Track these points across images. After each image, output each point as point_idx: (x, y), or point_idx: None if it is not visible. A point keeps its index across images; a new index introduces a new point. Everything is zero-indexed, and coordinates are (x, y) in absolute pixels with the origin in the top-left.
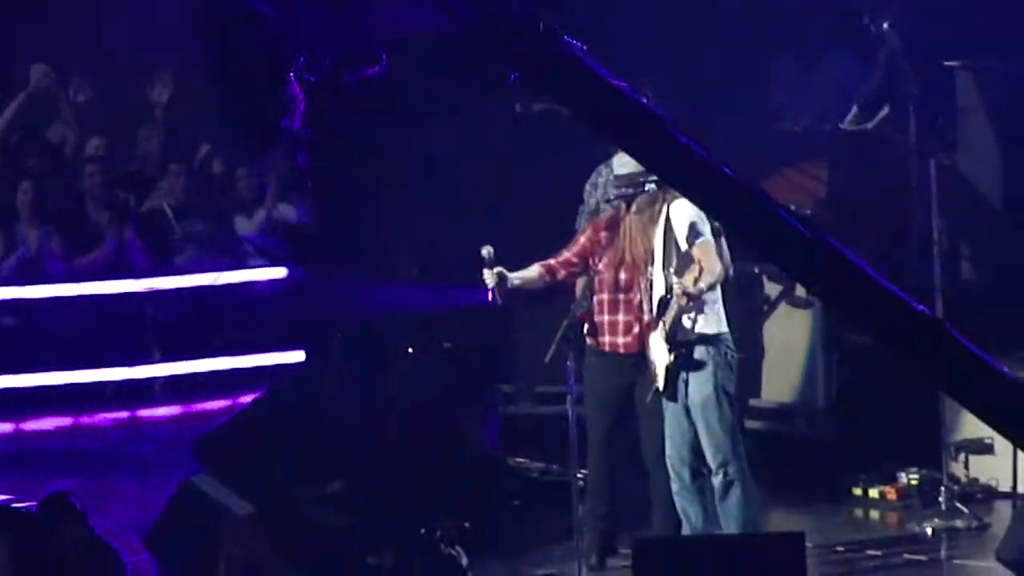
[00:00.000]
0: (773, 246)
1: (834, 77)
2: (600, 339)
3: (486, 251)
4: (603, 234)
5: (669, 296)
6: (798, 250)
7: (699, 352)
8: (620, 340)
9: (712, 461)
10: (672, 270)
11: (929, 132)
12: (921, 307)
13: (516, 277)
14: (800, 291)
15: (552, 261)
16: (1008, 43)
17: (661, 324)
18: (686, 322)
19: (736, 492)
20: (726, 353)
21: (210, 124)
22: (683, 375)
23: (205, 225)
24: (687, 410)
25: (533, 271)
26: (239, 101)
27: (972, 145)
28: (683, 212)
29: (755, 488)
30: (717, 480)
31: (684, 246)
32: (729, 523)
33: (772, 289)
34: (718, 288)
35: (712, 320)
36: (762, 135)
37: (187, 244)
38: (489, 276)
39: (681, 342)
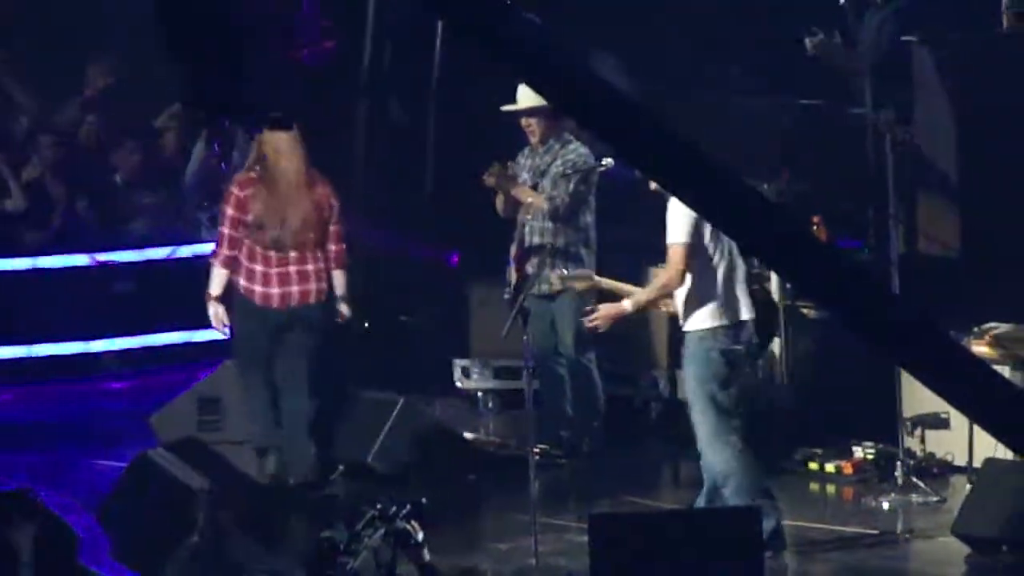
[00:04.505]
0: (726, 215)
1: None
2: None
3: None
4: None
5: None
6: (751, 220)
7: None
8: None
9: None
10: None
11: (886, 107)
12: (879, 282)
13: None
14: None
15: None
16: (965, 18)
17: None
18: None
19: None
20: None
21: (164, 100)
22: None
23: (157, 198)
24: None
25: None
26: (194, 76)
27: (928, 120)
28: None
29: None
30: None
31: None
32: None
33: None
34: None
35: None
36: (720, 109)
37: (139, 218)
38: None
39: None
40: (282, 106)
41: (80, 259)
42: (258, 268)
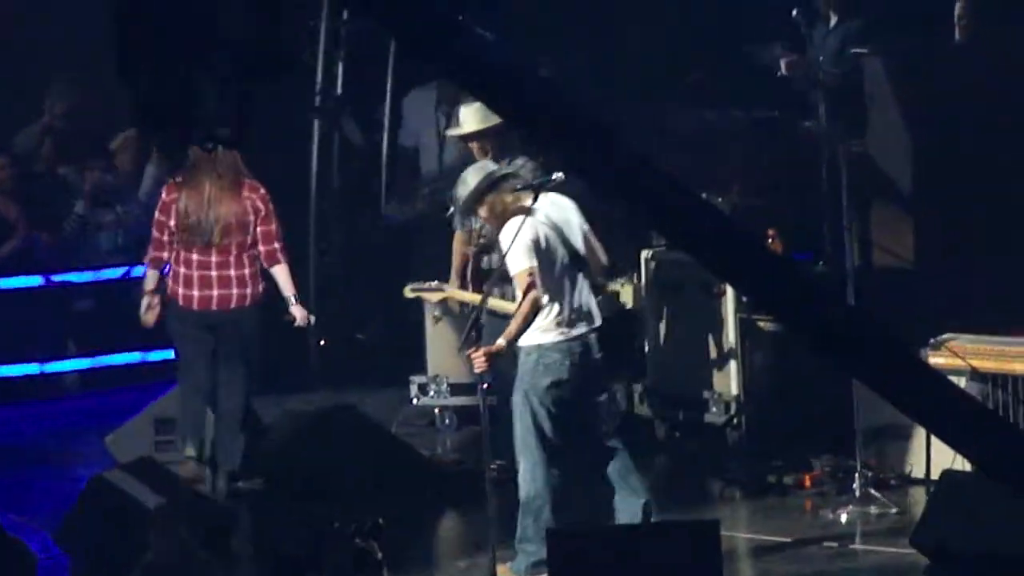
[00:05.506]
0: (681, 229)
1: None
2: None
3: None
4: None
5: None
6: (705, 234)
7: None
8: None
9: None
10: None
11: (838, 119)
12: (834, 294)
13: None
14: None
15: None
16: (916, 28)
17: None
18: None
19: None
20: None
21: (119, 120)
22: None
23: (115, 217)
24: None
25: None
26: (147, 95)
27: (882, 132)
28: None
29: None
30: None
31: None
32: None
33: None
34: None
35: None
36: (673, 122)
37: (97, 236)
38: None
39: None
40: (234, 125)
41: (36, 280)
42: (182, 271)
